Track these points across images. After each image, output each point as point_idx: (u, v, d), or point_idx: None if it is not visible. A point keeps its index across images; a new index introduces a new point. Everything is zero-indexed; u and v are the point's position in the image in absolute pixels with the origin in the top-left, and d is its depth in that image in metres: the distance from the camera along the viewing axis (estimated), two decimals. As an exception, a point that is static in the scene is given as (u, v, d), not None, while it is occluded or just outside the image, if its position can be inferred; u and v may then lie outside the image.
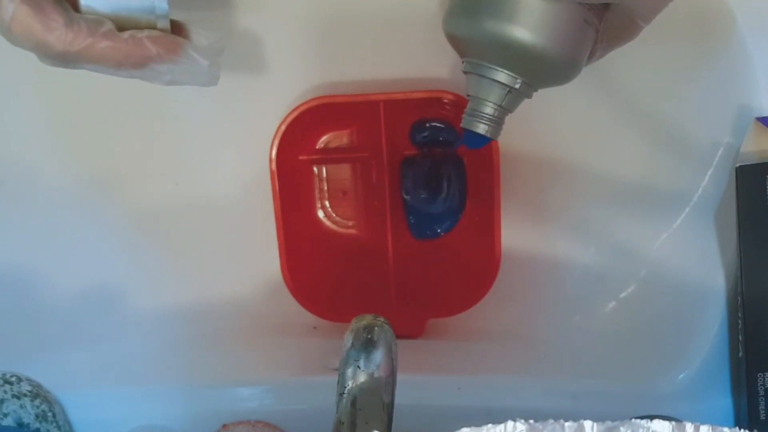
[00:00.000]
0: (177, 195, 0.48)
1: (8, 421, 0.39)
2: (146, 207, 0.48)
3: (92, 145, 0.47)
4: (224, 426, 0.41)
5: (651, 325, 0.50)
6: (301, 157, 0.50)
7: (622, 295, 0.51)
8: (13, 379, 0.41)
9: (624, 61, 0.47)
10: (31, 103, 0.46)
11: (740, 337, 0.46)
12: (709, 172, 0.49)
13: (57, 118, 0.46)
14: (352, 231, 0.52)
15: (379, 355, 0.31)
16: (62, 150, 0.47)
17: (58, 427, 0.40)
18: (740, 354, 0.46)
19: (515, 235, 0.50)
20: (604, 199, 0.50)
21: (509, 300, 0.50)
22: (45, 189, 0.47)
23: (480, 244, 0.50)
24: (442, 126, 0.49)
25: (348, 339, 0.32)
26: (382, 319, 0.32)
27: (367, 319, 0.32)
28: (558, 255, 0.51)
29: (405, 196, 0.51)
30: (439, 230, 0.51)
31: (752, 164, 0.46)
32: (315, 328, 0.52)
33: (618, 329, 0.51)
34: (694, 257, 0.49)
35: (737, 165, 0.47)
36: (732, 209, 0.47)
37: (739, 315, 0.46)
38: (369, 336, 0.31)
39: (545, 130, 0.49)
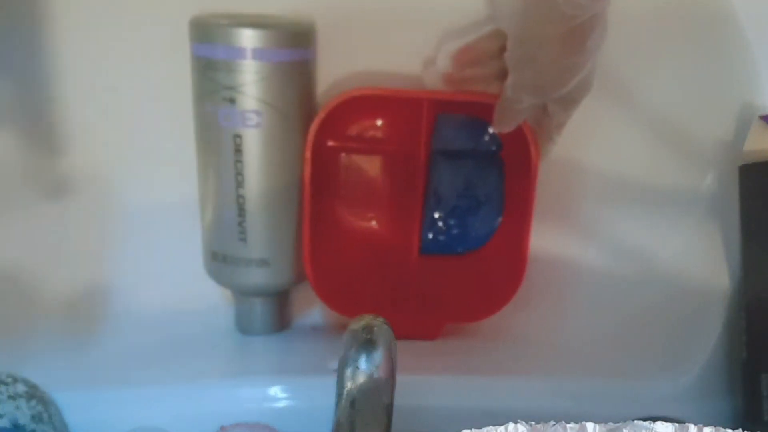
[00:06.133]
0: (176, 194, 0.48)
1: (4, 423, 0.39)
2: (145, 206, 0.48)
3: (92, 145, 0.47)
4: (222, 428, 0.41)
5: (653, 326, 0.50)
6: (330, 144, 0.48)
7: (624, 295, 0.51)
8: (9, 380, 0.40)
9: (628, 61, 0.47)
10: (30, 102, 0.46)
11: (743, 338, 0.46)
12: (712, 171, 0.49)
13: (54, 118, 0.46)
14: (377, 226, 0.51)
15: (378, 356, 0.31)
16: (60, 149, 0.47)
17: (54, 428, 0.40)
18: (743, 355, 0.46)
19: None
20: (605, 198, 0.50)
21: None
22: (41, 188, 0.46)
23: (508, 252, 0.48)
24: (482, 128, 0.48)
25: (347, 339, 0.31)
26: (381, 320, 0.32)
27: (366, 319, 0.32)
28: (558, 255, 0.51)
29: (432, 211, 0.49)
30: (460, 249, 0.50)
31: (755, 163, 0.46)
32: (314, 328, 0.51)
33: (620, 329, 0.50)
34: (697, 256, 0.49)
35: (740, 164, 0.46)
36: (735, 208, 0.46)
37: (743, 315, 0.46)
38: (368, 336, 0.31)
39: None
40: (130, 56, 0.46)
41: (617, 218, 0.50)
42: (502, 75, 0.42)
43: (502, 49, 0.41)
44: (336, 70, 0.47)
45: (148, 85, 0.46)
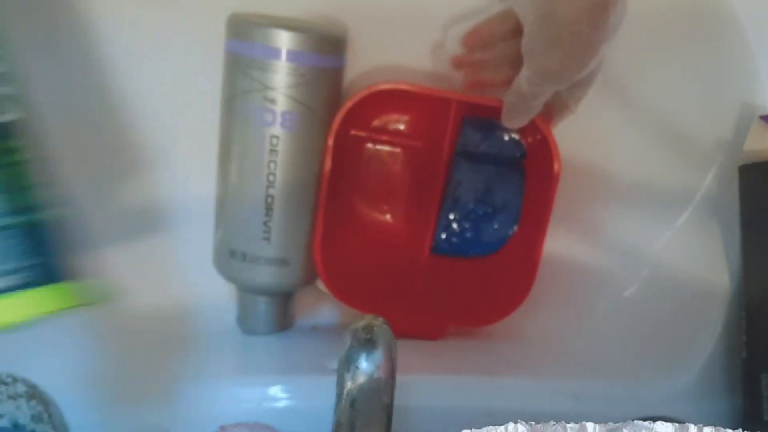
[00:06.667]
0: (177, 193, 0.48)
1: (4, 423, 0.39)
2: (145, 205, 0.48)
3: (92, 143, 0.47)
4: (222, 428, 0.41)
5: (653, 325, 0.50)
6: (352, 132, 0.48)
7: (625, 294, 0.51)
8: (9, 379, 0.40)
9: (628, 61, 0.47)
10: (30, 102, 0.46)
11: (743, 338, 0.46)
12: (712, 171, 0.49)
13: (54, 118, 0.46)
14: (392, 220, 0.51)
15: (378, 356, 0.31)
16: (59, 148, 0.46)
17: (54, 428, 0.40)
18: (743, 354, 0.46)
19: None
20: (605, 197, 0.50)
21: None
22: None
23: (518, 261, 0.48)
24: (508, 134, 0.48)
25: (347, 339, 0.31)
26: (381, 320, 0.32)
27: (366, 319, 0.32)
28: (560, 254, 0.51)
29: (450, 213, 0.49)
30: (472, 253, 0.50)
31: (755, 163, 0.46)
32: (314, 328, 0.51)
33: (620, 329, 0.50)
34: (697, 256, 0.49)
35: (740, 164, 0.46)
36: (735, 208, 0.46)
37: (742, 315, 0.46)
38: (368, 336, 0.31)
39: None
40: (137, 55, 0.46)
41: (617, 218, 0.50)
42: (512, 59, 0.41)
43: (512, 31, 0.40)
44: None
45: (150, 82, 0.46)
